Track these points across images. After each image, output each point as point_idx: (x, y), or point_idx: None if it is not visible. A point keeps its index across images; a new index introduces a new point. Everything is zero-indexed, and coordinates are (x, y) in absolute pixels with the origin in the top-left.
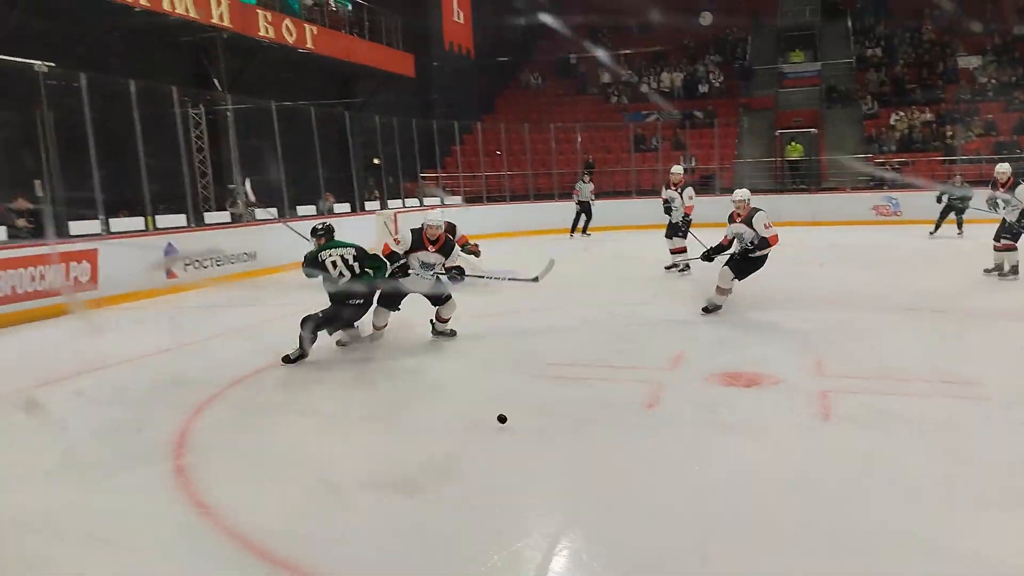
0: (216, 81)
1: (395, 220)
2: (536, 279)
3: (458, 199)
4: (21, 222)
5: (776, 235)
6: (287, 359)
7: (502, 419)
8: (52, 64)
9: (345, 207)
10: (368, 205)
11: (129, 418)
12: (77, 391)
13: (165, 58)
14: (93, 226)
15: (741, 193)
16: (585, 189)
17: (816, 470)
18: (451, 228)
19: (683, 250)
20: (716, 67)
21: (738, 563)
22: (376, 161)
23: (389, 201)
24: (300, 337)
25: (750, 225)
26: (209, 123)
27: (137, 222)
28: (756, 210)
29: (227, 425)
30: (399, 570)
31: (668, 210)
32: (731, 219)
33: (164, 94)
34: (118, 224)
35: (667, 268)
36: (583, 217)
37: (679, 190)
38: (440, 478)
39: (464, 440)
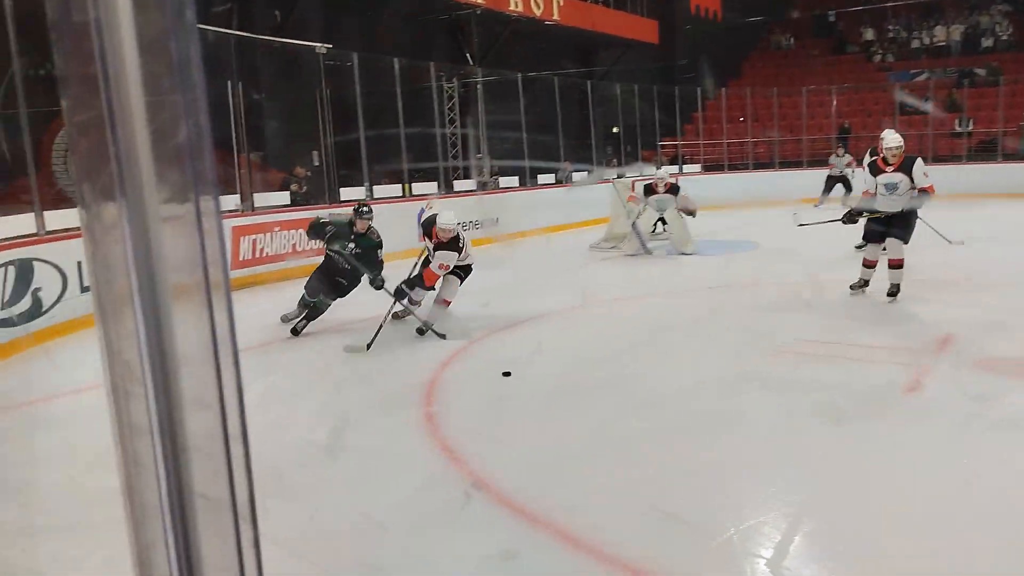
0: (468, 55)
1: (632, 188)
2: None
3: (696, 167)
4: (295, 187)
5: (933, 185)
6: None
7: (506, 374)
8: (330, 46)
9: (582, 175)
10: (605, 174)
11: (385, 368)
12: (341, 341)
13: (425, 36)
14: (359, 192)
15: (895, 138)
16: (840, 162)
17: None
18: (674, 189)
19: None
20: (1004, 17)
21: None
22: (615, 130)
23: (626, 169)
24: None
25: (908, 174)
26: (460, 96)
27: (396, 189)
28: (913, 157)
29: (472, 378)
30: (636, 534)
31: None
32: (876, 169)
33: (422, 70)
34: (380, 191)
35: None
36: (839, 189)
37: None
38: (680, 449)
39: (702, 413)
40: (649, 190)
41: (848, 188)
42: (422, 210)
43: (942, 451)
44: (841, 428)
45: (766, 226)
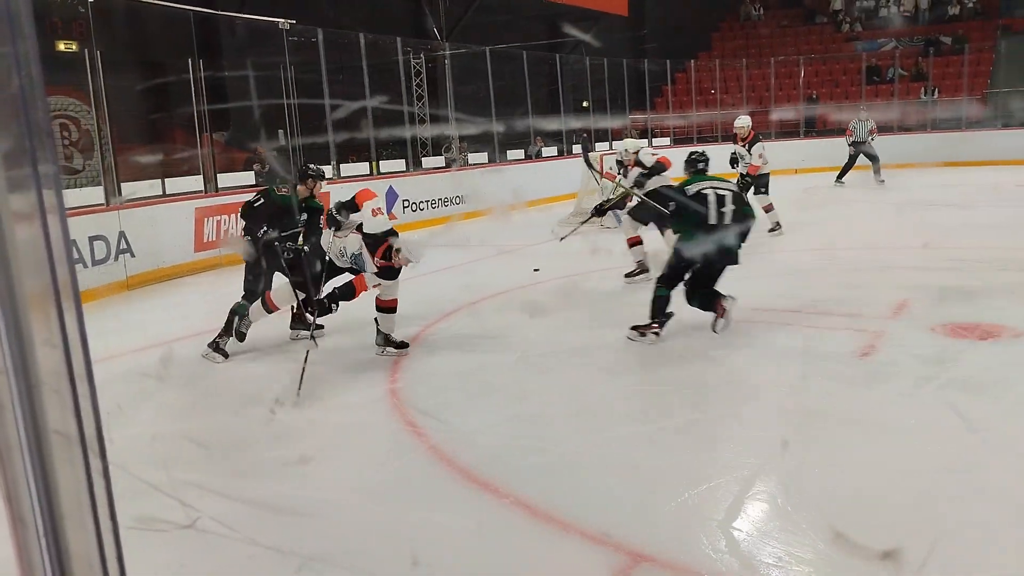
0: (435, 30)
1: (600, 162)
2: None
3: (666, 140)
4: (257, 167)
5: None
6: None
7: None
8: (293, 21)
9: (553, 151)
10: (575, 148)
11: (352, 344)
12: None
13: (390, 11)
14: (327, 171)
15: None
16: (862, 128)
17: None
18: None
19: (769, 208)
20: None
21: (961, 533)
22: (585, 104)
23: (597, 144)
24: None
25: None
26: (428, 71)
27: (363, 167)
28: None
29: (437, 354)
30: (592, 499)
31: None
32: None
33: (388, 45)
34: (348, 168)
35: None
36: (860, 161)
37: (747, 145)
38: (639, 415)
39: (661, 377)
40: (620, 165)
41: (874, 159)
42: (391, 190)
43: (893, 412)
44: (797, 392)
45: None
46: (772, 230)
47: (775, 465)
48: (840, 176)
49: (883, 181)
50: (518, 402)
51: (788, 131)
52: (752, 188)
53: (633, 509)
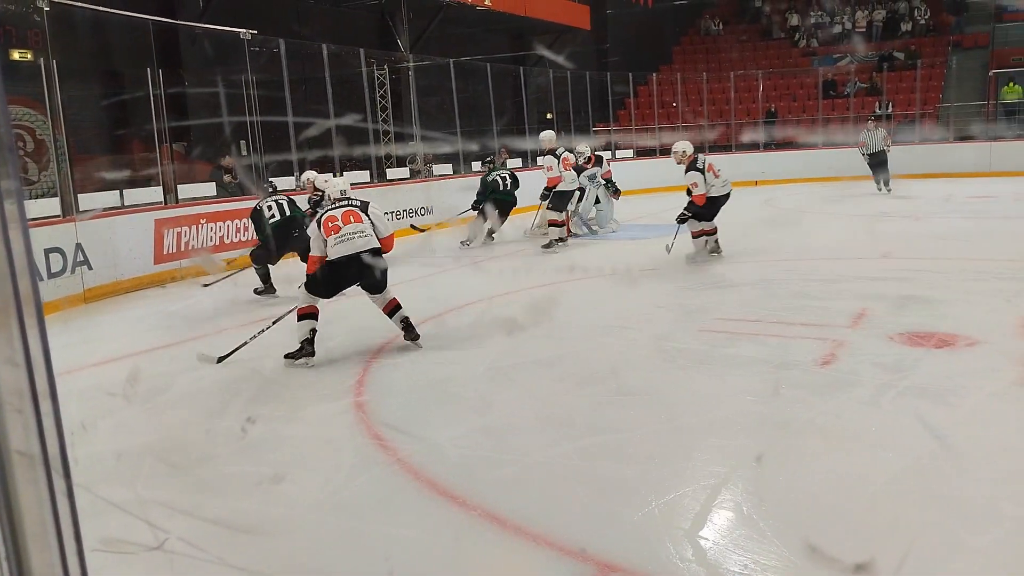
0: (399, 41)
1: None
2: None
3: (629, 152)
4: (227, 178)
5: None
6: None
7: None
8: (255, 32)
9: (517, 162)
10: (539, 160)
11: (317, 358)
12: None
13: (353, 22)
14: (289, 182)
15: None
16: (874, 137)
17: (1022, 442)
18: (599, 161)
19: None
20: (922, 2)
21: (927, 540)
22: (548, 116)
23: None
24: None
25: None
26: (392, 82)
27: (327, 178)
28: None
29: (403, 367)
30: (561, 510)
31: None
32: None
33: (352, 56)
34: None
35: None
36: (879, 170)
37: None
38: (604, 425)
39: (628, 387)
40: (579, 169)
41: (885, 167)
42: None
43: (854, 420)
44: (760, 402)
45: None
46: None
47: (741, 474)
48: (883, 186)
49: (891, 190)
50: (485, 413)
51: (749, 144)
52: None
53: (601, 520)
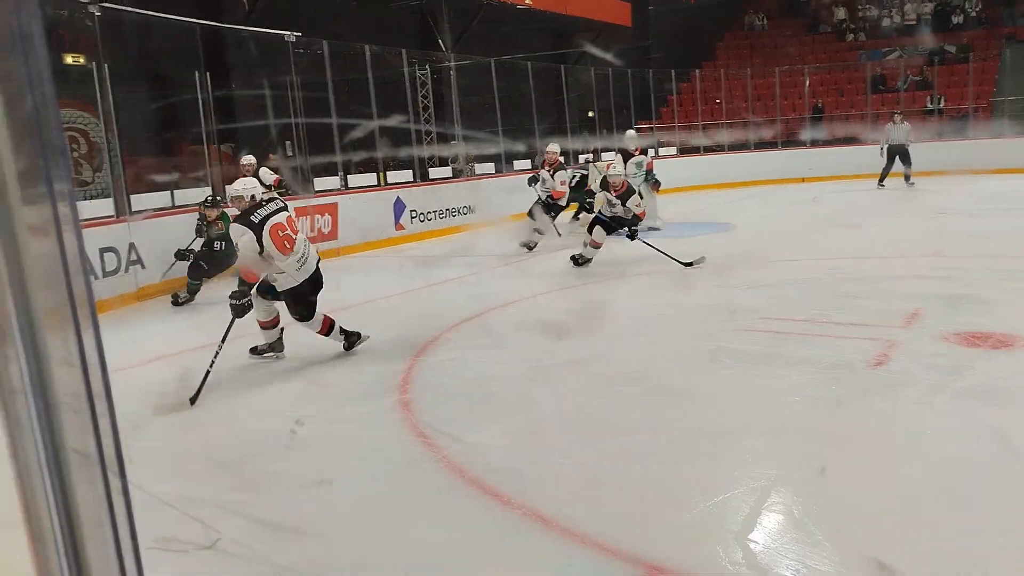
0: (440, 41)
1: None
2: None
3: (672, 150)
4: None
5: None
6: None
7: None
8: (299, 34)
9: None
10: (581, 158)
11: (360, 357)
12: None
13: (396, 23)
14: (334, 182)
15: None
16: (899, 131)
17: None
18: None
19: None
20: None
21: (981, 545)
22: (590, 114)
23: (603, 154)
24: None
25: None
26: (434, 82)
27: (370, 178)
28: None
29: (446, 366)
30: (606, 511)
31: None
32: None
33: (394, 57)
34: (355, 180)
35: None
36: (896, 163)
37: (552, 171)
38: (648, 425)
39: (672, 386)
40: (627, 155)
41: (907, 161)
42: (399, 201)
43: (909, 422)
44: (809, 403)
45: (741, 207)
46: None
47: (791, 478)
48: (881, 179)
49: (913, 184)
50: (528, 413)
51: (796, 140)
52: (552, 210)
53: (647, 521)
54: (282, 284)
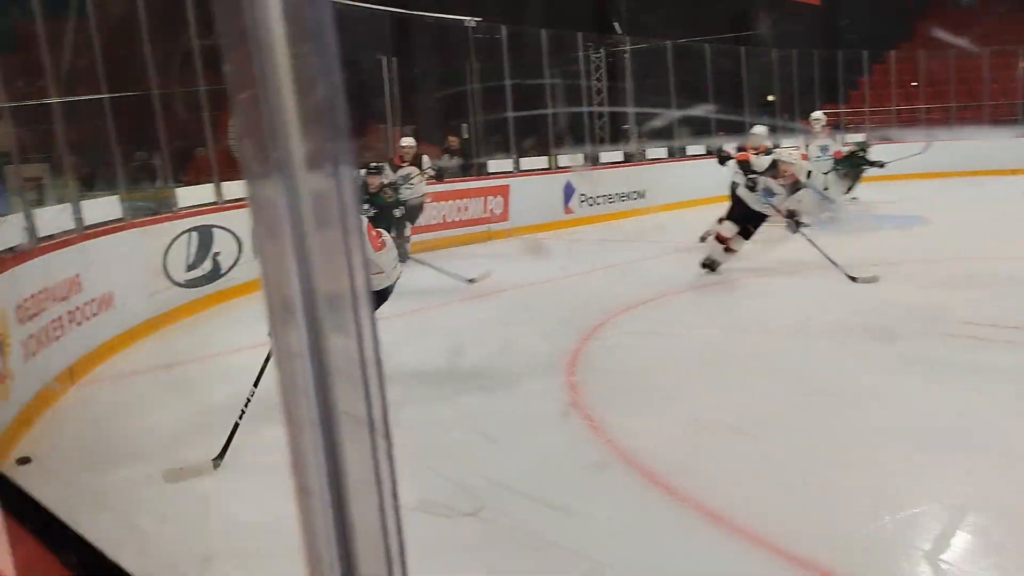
0: (616, 24)
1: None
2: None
3: (860, 136)
4: (448, 159)
5: None
6: None
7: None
8: (479, 19)
9: (732, 145)
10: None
11: (530, 334)
12: (483, 307)
13: (569, 6)
14: (506, 164)
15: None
16: None
17: None
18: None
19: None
20: None
21: None
22: (770, 98)
23: (783, 139)
24: None
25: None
26: (608, 65)
27: (542, 161)
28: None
29: (615, 350)
30: (781, 513)
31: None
32: None
33: (569, 41)
34: (526, 162)
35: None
36: None
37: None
38: (833, 429)
39: (860, 390)
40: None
41: None
42: (569, 185)
43: None
44: (1016, 417)
45: (938, 200)
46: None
47: (991, 497)
48: None
49: None
50: (699, 405)
51: (1005, 128)
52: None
53: (825, 527)
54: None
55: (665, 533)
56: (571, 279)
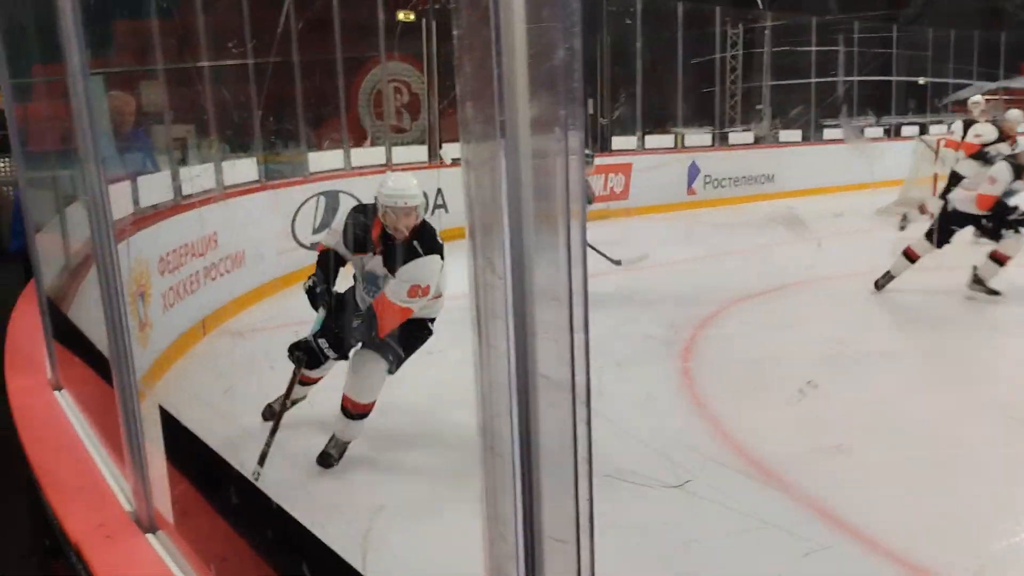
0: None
1: (937, 147)
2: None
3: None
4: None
5: None
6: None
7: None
8: None
9: (877, 131)
10: (904, 131)
11: (647, 319)
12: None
13: None
14: (630, 142)
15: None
16: None
17: None
18: None
19: None
20: None
21: None
22: (920, 81)
23: (931, 127)
24: None
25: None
26: (745, 42)
27: (667, 139)
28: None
29: (731, 339)
30: (903, 520)
31: None
32: None
33: (707, 15)
34: (651, 140)
35: None
36: None
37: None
38: (957, 436)
39: (988, 395)
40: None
41: None
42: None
43: None
44: None
45: None
46: None
47: None
48: None
49: None
50: (816, 401)
51: None
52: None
53: (949, 539)
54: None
55: (780, 531)
56: (691, 262)
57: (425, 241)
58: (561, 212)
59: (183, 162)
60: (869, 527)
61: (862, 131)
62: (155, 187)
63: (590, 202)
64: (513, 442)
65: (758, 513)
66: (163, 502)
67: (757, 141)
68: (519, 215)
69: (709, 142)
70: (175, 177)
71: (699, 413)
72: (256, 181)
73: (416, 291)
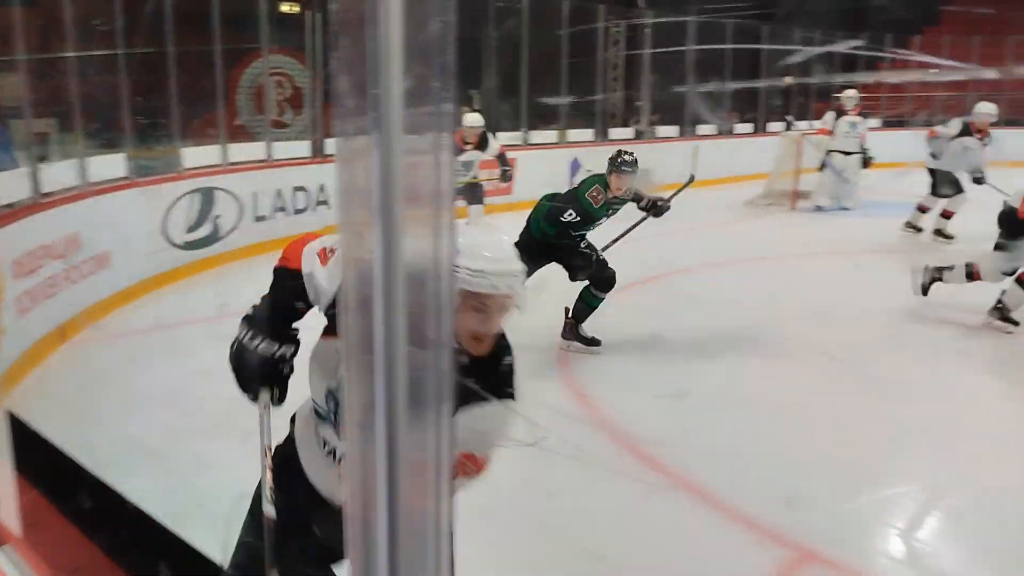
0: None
1: (800, 143)
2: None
3: (875, 122)
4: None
5: None
6: None
7: None
8: None
9: (748, 127)
10: (771, 127)
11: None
12: None
13: None
14: (516, 137)
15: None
16: None
17: None
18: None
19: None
20: None
21: None
22: (788, 80)
23: (798, 123)
24: None
25: None
26: (627, 40)
27: (550, 135)
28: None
29: (609, 329)
30: (765, 490)
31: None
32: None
33: (591, 12)
34: (536, 136)
35: None
36: None
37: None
38: (820, 410)
39: (854, 371)
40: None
41: None
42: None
43: None
44: (1012, 403)
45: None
46: None
47: (972, 481)
48: None
49: None
50: (688, 384)
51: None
52: None
53: (805, 505)
54: None
55: (647, 503)
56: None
57: None
58: (432, 191)
59: (44, 158)
60: (736, 500)
61: (731, 130)
62: (11, 184)
63: (480, 200)
64: (376, 406)
65: (634, 488)
66: (9, 513)
67: (637, 136)
68: (390, 193)
69: (591, 137)
70: (33, 174)
71: (577, 400)
72: (125, 178)
73: None
